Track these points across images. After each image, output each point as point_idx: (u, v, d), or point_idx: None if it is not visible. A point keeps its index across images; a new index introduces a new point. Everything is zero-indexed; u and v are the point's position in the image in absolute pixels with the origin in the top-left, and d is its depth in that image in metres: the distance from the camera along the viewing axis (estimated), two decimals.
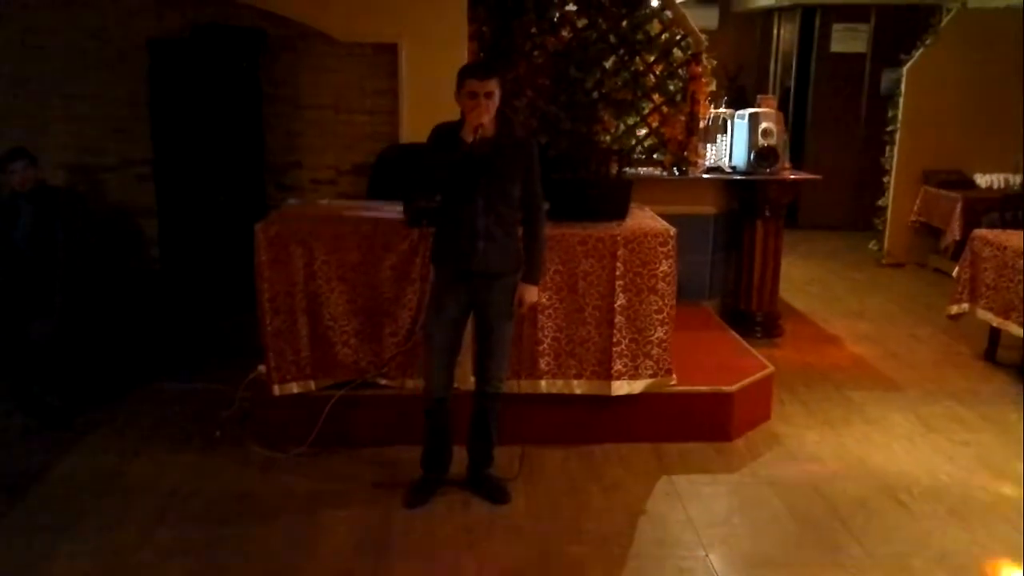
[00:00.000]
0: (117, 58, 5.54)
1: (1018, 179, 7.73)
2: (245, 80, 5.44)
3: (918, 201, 8.04)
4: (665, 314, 4.05)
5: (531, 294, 3.53)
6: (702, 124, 5.80)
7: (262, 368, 4.04)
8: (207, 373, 4.79)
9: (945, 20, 7.83)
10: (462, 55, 5.14)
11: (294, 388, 4.00)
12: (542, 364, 4.04)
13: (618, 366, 4.05)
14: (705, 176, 5.75)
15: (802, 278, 7.58)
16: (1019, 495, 3.76)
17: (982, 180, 7.83)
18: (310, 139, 5.79)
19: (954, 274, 5.57)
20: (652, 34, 5.79)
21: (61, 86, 5.57)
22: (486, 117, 3.22)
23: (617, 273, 3.98)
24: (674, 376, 4.14)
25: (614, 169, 4.65)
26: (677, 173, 5.73)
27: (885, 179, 8.22)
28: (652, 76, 5.83)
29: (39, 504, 3.54)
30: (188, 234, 5.45)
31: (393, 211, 4.15)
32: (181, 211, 5.45)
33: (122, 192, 5.71)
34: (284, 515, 3.49)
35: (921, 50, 7.89)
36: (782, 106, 6.88)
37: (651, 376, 4.09)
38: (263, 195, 5.65)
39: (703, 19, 8.79)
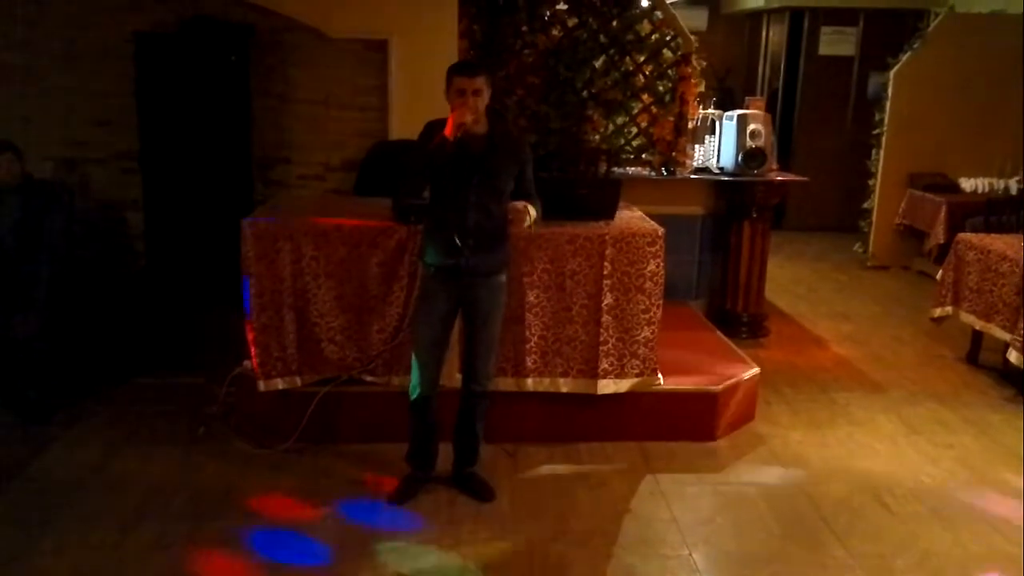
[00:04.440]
0: (104, 51, 5.50)
1: (1002, 184, 7.79)
2: (233, 74, 5.41)
3: (903, 204, 8.08)
4: (652, 314, 4.06)
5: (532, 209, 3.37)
6: (691, 125, 5.82)
7: (247, 364, 4.02)
8: (192, 368, 4.76)
9: (932, 24, 7.88)
10: (452, 52, 5.14)
11: (280, 384, 3.98)
12: (529, 362, 4.04)
13: (604, 365, 4.06)
14: (693, 177, 5.77)
15: (788, 279, 7.62)
16: (1000, 498, 3.80)
17: (967, 184, 7.89)
18: (299, 135, 5.77)
19: (938, 277, 5.61)
20: (642, 34, 5.82)
21: (47, 78, 5.53)
22: (470, 116, 3.20)
23: (605, 272, 3.99)
24: (660, 375, 4.15)
25: (603, 168, 4.67)
26: (665, 173, 5.75)
27: (871, 182, 8.26)
28: (642, 76, 5.85)
29: (20, 499, 3.51)
30: (174, 228, 5.43)
31: (381, 207, 4.14)
32: (167, 205, 5.42)
33: (108, 185, 5.67)
34: (267, 511, 3.47)
35: (908, 54, 7.94)
36: (770, 108, 6.90)
37: (637, 375, 4.10)
38: (250, 190, 5.62)
39: (692, 20, 8.85)
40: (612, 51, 5.80)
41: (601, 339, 4.03)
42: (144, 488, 3.61)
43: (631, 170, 5.78)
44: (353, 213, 4.14)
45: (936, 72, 7.84)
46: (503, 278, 3.49)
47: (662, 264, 4.04)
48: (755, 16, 10.51)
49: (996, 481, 3.95)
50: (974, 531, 3.49)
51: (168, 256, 5.47)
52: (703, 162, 5.90)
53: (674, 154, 5.76)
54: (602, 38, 5.76)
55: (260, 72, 5.60)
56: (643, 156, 5.91)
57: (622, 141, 5.94)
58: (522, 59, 5.69)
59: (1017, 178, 7.75)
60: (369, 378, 4.04)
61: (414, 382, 3.52)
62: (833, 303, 7.00)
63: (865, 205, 8.35)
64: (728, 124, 5.71)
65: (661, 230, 4.06)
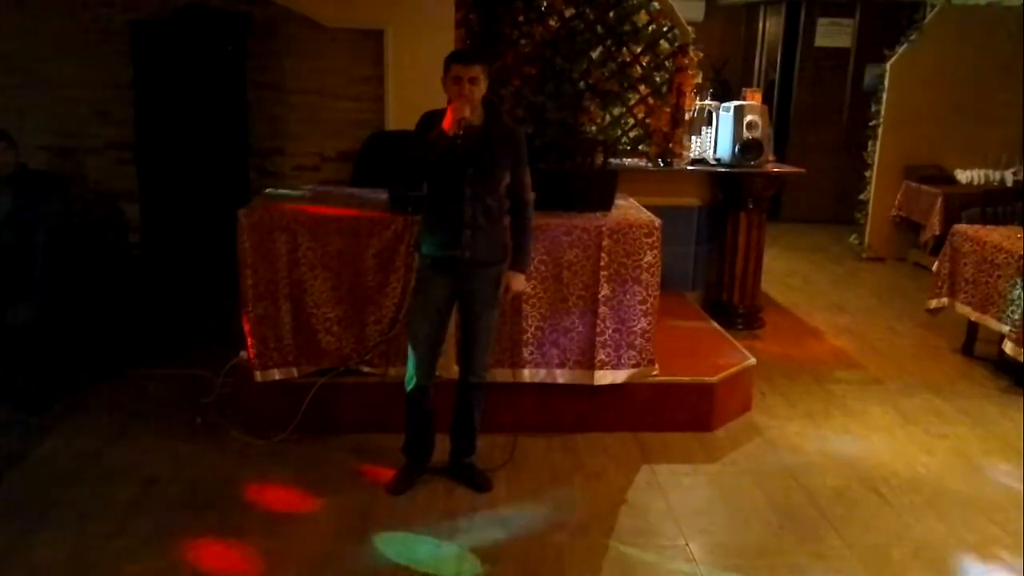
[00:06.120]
0: (99, 40, 5.47)
1: (997, 175, 7.80)
2: (229, 64, 5.39)
3: (899, 196, 8.10)
4: (649, 305, 4.06)
5: (518, 282, 3.52)
6: (687, 116, 5.82)
7: (244, 354, 4.01)
8: (188, 359, 4.75)
9: (929, 16, 7.87)
10: (448, 42, 5.12)
11: (276, 375, 3.98)
12: (525, 353, 4.05)
13: (601, 356, 4.06)
14: (690, 168, 5.77)
15: (784, 271, 7.63)
16: (995, 488, 3.81)
17: (962, 176, 7.90)
18: (294, 125, 5.74)
19: (934, 268, 5.62)
20: (639, 25, 5.80)
21: (42, 67, 5.49)
22: (468, 109, 3.20)
23: (602, 263, 3.99)
24: (656, 366, 4.16)
25: (599, 160, 4.66)
26: (662, 164, 5.74)
27: (867, 173, 8.27)
28: (638, 67, 5.84)
29: (16, 490, 3.51)
30: (170, 218, 5.41)
31: (378, 198, 4.13)
32: (163, 195, 5.40)
33: (104, 175, 5.64)
34: (265, 502, 3.47)
35: (904, 46, 7.93)
36: (766, 99, 6.91)
37: (634, 366, 4.11)
38: (246, 180, 5.60)
39: (689, 11, 8.77)
40: (609, 42, 5.78)
41: (598, 330, 4.04)
42: (141, 478, 3.60)
43: (628, 161, 5.78)
44: (349, 203, 4.14)
45: (932, 64, 7.84)
46: (500, 269, 3.48)
47: (659, 255, 4.04)
48: (752, 7, 10.50)
49: (991, 471, 3.97)
50: (969, 521, 3.51)
51: (164, 246, 5.45)
52: (700, 153, 5.90)
53: (671, 145, 5.76)
54: (599, 29, 5.74)
55: (256, 62, 5.57)
56: (640, 147, 5.91)
57: (619, 132, 5.94)
58: (519, 49, 5.69)
59: (1013, 169, 7.77)
60: (366, 369, 4.04)
61: (410, 373, 3.52)
62: (829, 295, 7.01)
63: (861, 197, 8.37)
64: (725, 115, 5.71)
65: (658, 221, 4.05)
